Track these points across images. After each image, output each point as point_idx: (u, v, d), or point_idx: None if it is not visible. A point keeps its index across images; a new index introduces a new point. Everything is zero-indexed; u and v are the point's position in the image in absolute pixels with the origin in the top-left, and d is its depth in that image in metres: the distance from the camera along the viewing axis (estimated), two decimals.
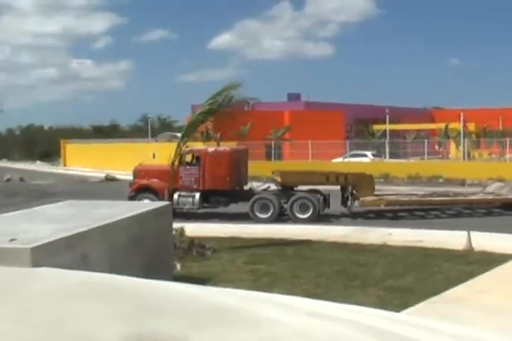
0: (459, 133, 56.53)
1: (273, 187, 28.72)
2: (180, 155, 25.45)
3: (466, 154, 55.15)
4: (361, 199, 26.82)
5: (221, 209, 27.51)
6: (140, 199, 26.51)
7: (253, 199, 26.67)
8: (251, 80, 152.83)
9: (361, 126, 74.11)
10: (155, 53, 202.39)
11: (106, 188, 40.06)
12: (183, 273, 14.53)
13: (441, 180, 43.03)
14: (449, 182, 41.19)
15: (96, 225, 9.63)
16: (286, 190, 27.38)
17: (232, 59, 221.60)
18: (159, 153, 54.89)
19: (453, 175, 43.05)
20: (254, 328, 5.31)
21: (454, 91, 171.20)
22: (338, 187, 27.79)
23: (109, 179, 52.68)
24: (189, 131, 20.50)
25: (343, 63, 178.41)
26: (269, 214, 26.26)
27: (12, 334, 5.13)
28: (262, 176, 46.98)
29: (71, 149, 79.51)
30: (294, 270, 15.08)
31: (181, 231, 17.33)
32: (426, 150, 54.83)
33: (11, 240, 8.11)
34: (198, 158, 27.69)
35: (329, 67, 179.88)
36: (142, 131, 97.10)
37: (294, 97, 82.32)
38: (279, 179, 27.97)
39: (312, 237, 19.73)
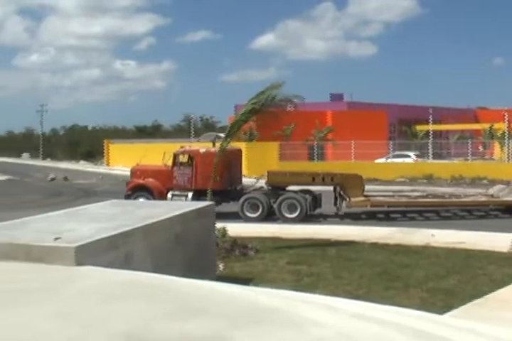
0: (504, 134, 55.84)
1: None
2: (174, 155, 28.47)
3: (510, 155, 54.51)
4: (348, 199, 26.96)
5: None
6: (136, 198, 27.49)
7: (243, 198, 27.27)
8: (293, 81, 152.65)
9: (404, 126, 73.65)
10: (197, 54, 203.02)
11: None
12: (226, 273, 14.58)
13: (485, 181, 42.64)
14: (493, 183, 40.79)
15: (139, 225, 9.71)
16: (276, 189, 27.84)
17: (274, 59, 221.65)
18: None
19: (497, 176, 42.62)
20: (298, 329, 5.31)
21: (498, 91, 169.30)
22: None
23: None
24: (232, 131, 20.54)
25: (386, 63, 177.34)
26: (258, 213, 26.89)
27: (56, 332, 5.18)
28: None
29: (114, 149, 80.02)
30: (336, 271, 15.03)
31: (224, 231, 17.37)
32: (470, 151, 54.27)
33: (56, 239, 8.20)
34: (191, 158, 28.49)
35: (372, 66, 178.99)
36: (185, 131, 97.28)
37: (336, 97, 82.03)
38: (266, 179, 28.68)
39: (354, 238, 19.65)
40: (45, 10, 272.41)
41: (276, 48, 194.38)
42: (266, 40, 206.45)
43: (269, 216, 26.54)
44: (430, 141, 58.75)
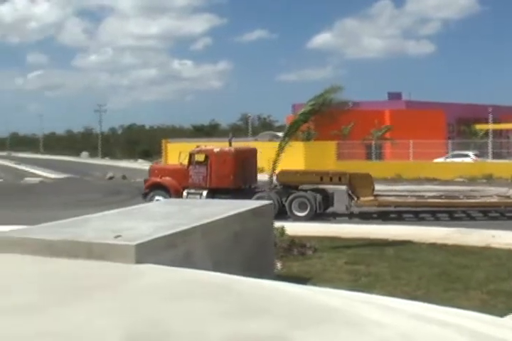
0: None
1: None
2: (190, 154, 29.36)
3: None
4: (356, 199, 27.15)
5: None
6: (153, 196, 29.00)
7: (255, 197, 27.13)
8: (351, 80, 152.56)
9: (463, 125, 72.77)
10: (254, 53, 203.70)
11: None
12: (284, 272, 14.60)
13: None
14: None
15: (198, 223, 9.76)
16: (288, 188, 28.21)
17: (331, 58, 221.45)
18: (260, 152, 55.23)
19: None
20: (358, 329, 5.28)
21: None
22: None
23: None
24: (291, 131, 20.66)
25: (444, 61, 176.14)
26: None
27: (117, 329, 5.24)
28: None
29: (172, 148, 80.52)
30: (394, 271, 14.94)
31: (282, 230, 17.39)
32: None
33: (116, 237, 8.29)
34: (206, 157, 29.19)
35: (431, 65, 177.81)
36: (242, 130, 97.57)
37: (394, 96, 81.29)
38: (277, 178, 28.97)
39: (412, 238, 19.51)
40: (103, 11, 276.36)
41: (333, 47, 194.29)
42: (323, 38, 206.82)
43: (281, 214, 26.20)
44: (490, 140, 57.98)
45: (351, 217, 27.24)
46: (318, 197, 27.55)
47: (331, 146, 52.82)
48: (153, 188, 30.01)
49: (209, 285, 6.79)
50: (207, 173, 28.90)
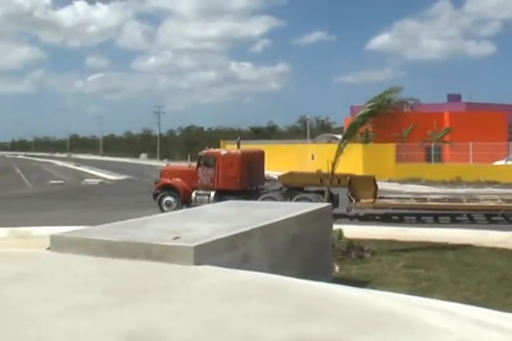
0: None
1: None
2: (198, 156, 31.47)
3: None
4: (354, 201, 27.51)
5: None
6: (163, 197, 30.55)
7: (260, 198, 28.03)
8: (410, 81, 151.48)
9: None
10: (313, 55, 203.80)
11: None
12: (342, 275, 14.53)
13: None
14: None
15: (257, 225, 9.76)
16: (293, 190, 29.08)
17: (390, 60, 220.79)
18: (318, 155, 55.07)
19: None
20: (418, 334, 5.21)
21: None
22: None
23: (267, 179, 53.20)
24: (350, 133, 20.57)
25: (505, 62, 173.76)
26: None
27: (175, 330, 5.26)
28: (421, 178, 46.44)
29: None
30: (454, 275, 14.75)
31: (340, 232, 17.33)
32: None
33: (175, 238, 8.34)
34: (214, 159, 30.29)
35: (491, 66, 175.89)
36: (300, 132, 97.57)
37: (454, 98, 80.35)
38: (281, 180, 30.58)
39: (470, 241, 19.26)
40: (162, 14, 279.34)
41: (392, 49, 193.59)
42: (382, 40, 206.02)
43: None
44: None
45: (351, 218, 27.22)
46: (322, 198, 26.98)
47: (389, 149, 52.47)
48: (163, 189, 31.03)
49: (267, 287, 6.79)
50: (215, 175, 29.96)
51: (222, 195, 28.88)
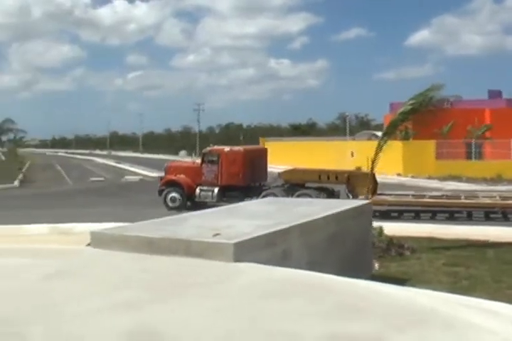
0: None
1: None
2: (202, 153, 32.58)
3: None
4: (350, 197, 27.96)
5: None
6: (168, 193, 31.34)
7: (263, 194, 29.01)
8: (450, 77, 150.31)
9: None
10: (352, 52, 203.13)
11: None
12: (381, 272, 14.45)
13: None
14: None
15: (297, 222, 9.75)
16: (295, 186, 29.91)
17: (430, 56, 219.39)
18: (358, 152, 54.91)
19: None
20: (459, 333, 5.17)
21: None
22: None
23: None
24: (390, 130, 20.48)
25: None
26: None
27: (215, 327, 5.27)
28: (461, 176, 46.02)
29: (269, 147, 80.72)
30: (495, 274, 14.59)
31: (380, 230, 17.25)
32: None
33: (215, 235, 8.35)
34: (217, 156, 31.20)
35: None
36: (339, 129, 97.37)
37: (494, 94, 79.48)
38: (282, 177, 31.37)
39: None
40: (201, 12, 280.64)
41: (432, 44, 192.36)
42: (421, 36, 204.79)
43: None
44: None
45: None
46: (323, 194, 28.81)
47: (429, 146, 52.11)
48: (168, 185, 31.82)
49: (306, 284, 6.77)
50: (218, 171, 30.88)
51: (225, 191, 30.48)
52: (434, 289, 9.23)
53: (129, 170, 70.72)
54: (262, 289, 6.54)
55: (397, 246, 17.08)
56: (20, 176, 59.45)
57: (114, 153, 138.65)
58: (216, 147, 33.84)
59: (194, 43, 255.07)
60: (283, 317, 5.51)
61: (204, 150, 33.18)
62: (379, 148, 19.54)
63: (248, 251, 7.96)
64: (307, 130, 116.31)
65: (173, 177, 32.11)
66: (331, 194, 29.36)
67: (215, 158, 31.18)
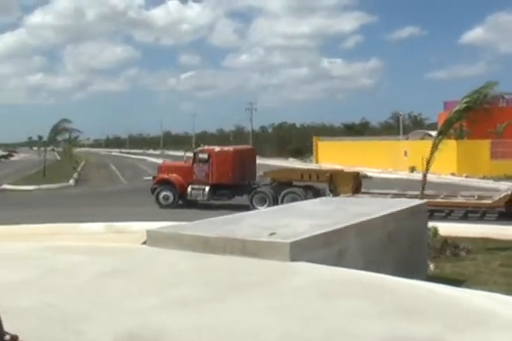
0: None
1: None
2: (194, 153, 33.56)
3: None
4: (331, 196, 28.50)
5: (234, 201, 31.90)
6: (160, 191, 32.70)
7: (252, 193, 31.09)
8: (504, 75, 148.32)
9: None
10: (405, 50, 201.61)
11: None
12: (436, 273, 14.32)
13: None
14: None
15: (353, 222, 9.71)
16: (282, 185, 31.13)
17: (484, 54, 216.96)
18: (411, 151, 54.47)
19: None
20: None
21: None
22: None
23: (362, 176, 52.83)
24: (445, 129, 20.29)
25: None
26: (265, 205, 29.55)
27: (272, 325, 5.28)
28: None
29: (323, 146, 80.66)
30: None
31: (435, 230, 17.09)
32: None
33: (271, 234, 8.36)
34: (208, 156, 32.31)
35: None
36: (393, 128, 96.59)
37: None
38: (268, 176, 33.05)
39: None
40: (253, 12, 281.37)
41: (485, 42, 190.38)
42: (475, 34, 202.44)
43: None
44: None
45: None
46: (309, 193, 29.94)
47: (484, 145, 51.46)
48: (161, 184, 33.11)
49: (363, 284, 6.75)
50: (209, 171, 31.98)
51: (216, 190, 31.84)
52: (491, 290, 9.14)
53: None
54: (319, 289, 6.53)
55: (452, 246, 16.90)
56: (76, 175, 60.25)
57: (167, 152, 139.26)
58: (207, 147, 34.68)
59: (246, 43, 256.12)
60: (340, 317, 5.50)
61: (195, 150, 34.48)
62: (434, 148, 19.37)
63: (304, 250, 7.96)
64: (360, 129, 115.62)
65: (165, 176, 33.34)
66: (317, 192, 30.21)
67: (205, 158, 32.31)
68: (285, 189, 30.65)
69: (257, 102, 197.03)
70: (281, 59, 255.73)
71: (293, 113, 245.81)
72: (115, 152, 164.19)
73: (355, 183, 30.32)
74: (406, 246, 11.67)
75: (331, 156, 73.09)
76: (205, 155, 32.49)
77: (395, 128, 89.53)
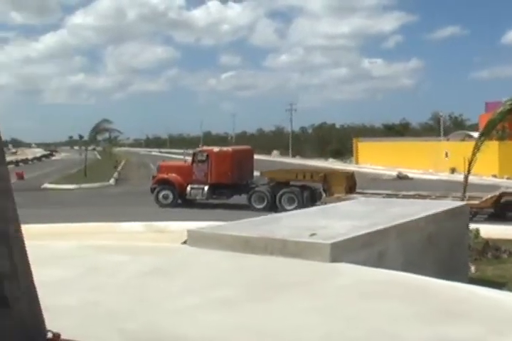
0: None
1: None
2: (193, 153, 34.76)
3: None
4: (324, 195, 31.07)
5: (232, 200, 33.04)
6: (160, 190, 33.71)
7: (250, 192, 32.15)
8: None
9: None
10: (446, 50, 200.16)
11: (398, 186, 39.76)
12: (477, 275, 14.22)
13: None
14: None
15: (393, 223, 9.66)
16: (280, 184, 32.11)
17: None
18: (452, 152, 54.08)
19: None
20: None
21: None
22: None
23: (401, 177, 52.62)
24: (487, 130, 20.13)
25: None
26: (263, 204, 31.27)
27: (314, 326, 5.26)
28: None
29: (363, 147, 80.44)
30: None
31: (476, 232, 16.96)
32: None
33: (311, 235, 8.34)
34: (207, 156, 33.34)
35: None
36: (433, 129, 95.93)
37: None
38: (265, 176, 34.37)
39: None
40: (293, 12, 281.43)
41: None
42: None
43: (275, 208, 30.27)
44: None
45: None
46: (306, 192, 31.40)
47: None
48: (160, 183, 34.13)
49: (404, 285, 6.71)
50: (208, 170, 33.00)
51: (215, 189, 32.80)
52: None
53: None
54: (360, 290, 6.51)
55: (493, 248, 16.78)
56: (116, 174, 60.70)
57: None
58: (206, 147, 36.41)
59: (287, 43, 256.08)
60: (382, 318, 5.47)
61: (194, 151, 35.50)
62: (476, 149, 19.21)
63: (344, 251, 7.93)
64: (400, 130, 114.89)
65: (165, 175, 34.28)
66: (313, 192, 31.54)
67: (205, 158, 33.25)
68: (282, 188, 31.65)
69: (297, 102, 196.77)
70: (321, 59, 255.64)
71: (333, 113, 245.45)
72: (155, 152, 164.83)
73: (349, 183, 31.22)
74: (446, 248, 11.58)
75: (371, 157, 72.89)
76: (204, 156, 33.50)
77: (436, 129, 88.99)
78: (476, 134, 26.66)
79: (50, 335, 3.83)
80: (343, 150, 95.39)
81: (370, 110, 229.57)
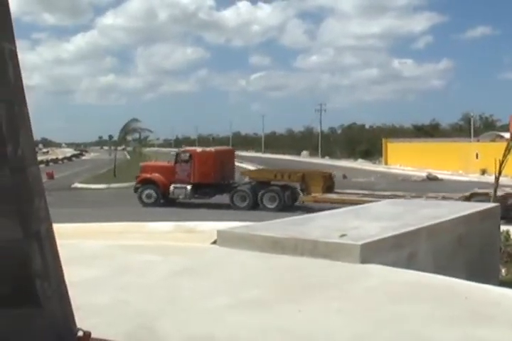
0: None
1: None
2: (176, 154, 35.65)
3: None
4: (301, 195, 32.23)
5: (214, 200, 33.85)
6: (143, 190, 34.47)
7: (232, 191, 32.97)
8: None
9: None
10: (476, 51, 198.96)
11: (428, 187, 39.57)
12: (508, 278, 14.08)
13: None
14: None
15: (424, 225, 9.61)
16: (262, 184, 32.88)
17: None
18: (482, 153, 53.73)
19: None
20: None
21: None
22: None
23: (431, 178, 52.37)
24: None
25: None
26: (245, 203, 32.15)
27: (343, 328, 5.25)
28: None
29: (392, 148, 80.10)
30: None
31: (507, 234, 16.79)
32: None
33: (342, 236, 8.33)
34: (190, 156, 34.22)
35: None
36: (463, 130, 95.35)
37: None
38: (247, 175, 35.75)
39: None
40: (324, 12, 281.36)
41: None
42: None
43: (256, 206, 31.76)
44: None
45: (296, 210, 28.38)
46: (287, 192, 32.22)
47: None
48: (143, 183, 34.86)
49: (435, 287, 6.67)
50: (191, 170, 33.80)
51: (197, 188, 33.66)
52: None
53: (247, 169, 71.17)
54: (391, 291, 6.49)
55: None
56: None
57: (236, 152, 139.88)
58: (189, 148, 37.90)
59: (317, 44, 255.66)
60: (413, 321, 5.45)
61: (177, 151, 36.81)
62: (507, 150, 19.05)
63: (375, 252, 7.91)
64: (430, 131, 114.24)
65: (148, 175, 34.97)
66: (294, 191, 32.34)
67: (188, 158, 34.16)
68: (264, 188, 32.40)
69: (327, 103, 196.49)
70: (351, 59, 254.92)
71: (363, 114, 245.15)
72: None
73: (327, 183, 32.04)
74: (477, 250, 11.49)
75: (401, 158, 72.59)
76: (187, 156, 34.37)
77: (466, 130, 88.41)
78: (507, 135, 26.39)
79: (80, 334, 3.85)
80: (373, 150, 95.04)
81: (399, 111, 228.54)
